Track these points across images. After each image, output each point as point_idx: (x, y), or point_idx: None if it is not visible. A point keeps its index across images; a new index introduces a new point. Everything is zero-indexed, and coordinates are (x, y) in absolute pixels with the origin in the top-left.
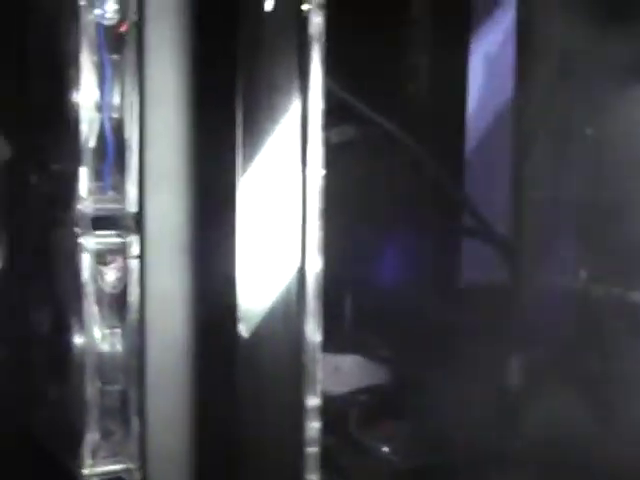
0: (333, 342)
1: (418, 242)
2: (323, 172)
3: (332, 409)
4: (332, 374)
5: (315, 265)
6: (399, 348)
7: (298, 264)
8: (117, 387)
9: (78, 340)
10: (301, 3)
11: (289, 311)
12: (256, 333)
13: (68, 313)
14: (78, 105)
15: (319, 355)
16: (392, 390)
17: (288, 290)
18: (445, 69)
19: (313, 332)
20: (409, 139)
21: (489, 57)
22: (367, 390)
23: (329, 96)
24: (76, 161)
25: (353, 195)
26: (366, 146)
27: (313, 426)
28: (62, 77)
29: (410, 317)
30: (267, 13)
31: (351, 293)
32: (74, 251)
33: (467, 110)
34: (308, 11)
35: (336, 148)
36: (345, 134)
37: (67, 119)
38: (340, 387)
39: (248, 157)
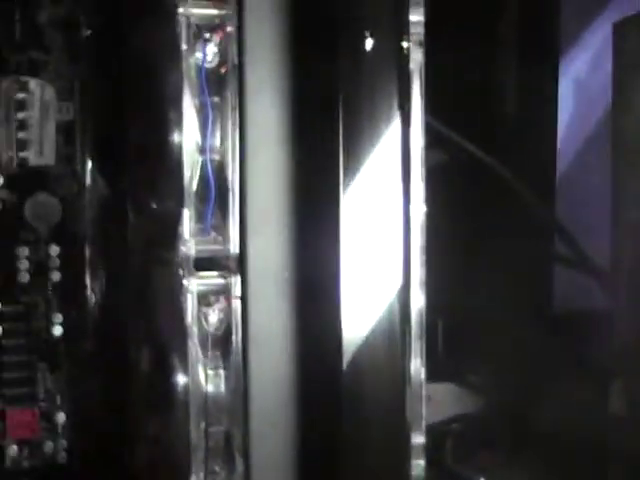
0: (426, 371)
1: (511, 269)
2: (425, 208)
3: (428, 440)
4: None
5: (418, 301)
6: (493, 375)
7: (401, 300)
8: (221, 428)
9: (182, 380)
10: (400, 41)
11: (393, 349)
12: (359, 371)
13: (171, 353)
14: (180, 147)
15: (424, 392)
16: (488, 419)
17: (391, 327)
18: (536, 93)
19: (418, 370)
20: (503, 168)
21: (580, 79)
22: (462, 419)
23: (429, 130)
24: (178, 202)
25: (448, 226)
26: (460, 176)
27: (418, 464)
28: (164, 119)
29: (504, 344)
30: (367, 52)
31: (442, 320)
32: (176, 292)
33: (559, 134)
34: (408, 48)
35: (432, 179)
36: (441, 164)
37: (169, 160)
38: (434, 417)
39: (349, 196)
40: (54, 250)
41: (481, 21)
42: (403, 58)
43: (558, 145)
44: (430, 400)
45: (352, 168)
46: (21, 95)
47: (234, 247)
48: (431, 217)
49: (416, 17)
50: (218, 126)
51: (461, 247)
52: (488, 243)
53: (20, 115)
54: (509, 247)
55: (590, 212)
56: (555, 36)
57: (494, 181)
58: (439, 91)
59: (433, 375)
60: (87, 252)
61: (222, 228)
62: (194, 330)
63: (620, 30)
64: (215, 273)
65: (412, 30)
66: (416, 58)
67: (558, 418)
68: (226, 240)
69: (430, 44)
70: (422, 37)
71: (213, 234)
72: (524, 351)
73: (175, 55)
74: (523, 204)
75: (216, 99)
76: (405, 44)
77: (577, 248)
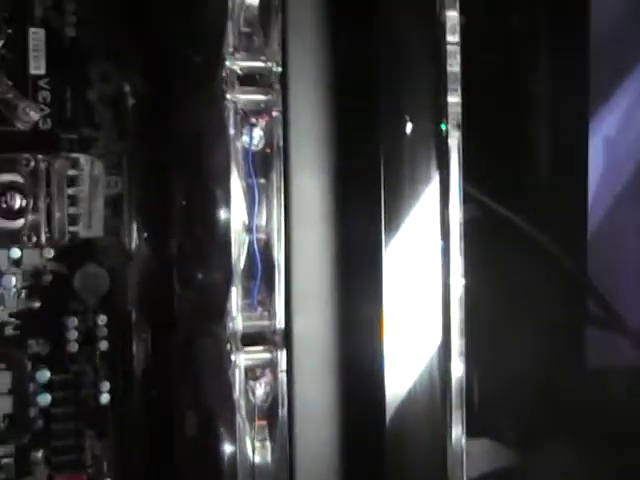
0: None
1: (545, 330)
2: (463, 281)
3: None
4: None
5: (458, 370)
6: (528, 431)
7: (441, 368)
8: None
9: (229, 450)
10: (439, 124)
11: (434, 420)
12: (402, 443)
13: (218, 423)
14: (228, 225)
15: (464, 456)
16: (522, 475)
17: (432, 396)
18: (568, 154)
19: (458, 439)
20: (536, 230)
21: (611, 138)
22: (498, 475)
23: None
24: (226, 279)
25: (485, 290)
26: (494, 240)
27: None
28: (212, 197)
29: (539, 402)
30: (407, 134)
31: (477, 377)
32: (224, 365)
33: (590, 193)
34: (446, 130)
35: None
36: (477, 229)
37: (217, 238)
38: (471, 472)
39: (391, 270)
40: (102, 320)
41: (513, 87)
42: (441, 139)
43: (589, 204)
44: (467, 456)
45: (393, 245)
46: (72, 172)
47: (280, 322)
48: (469, 286)
49: (454, 99)
50: (264, 206)
51: (497, 308)
52: (522, 304)
53: (71, 191)
54: (543, 308)
55: (622, 271)
56: (585, 97)
57: (528, 243)
58: (475, 162)
59: (470, 431)
60: (134, 322)
61: (268, 304)
62: (241, 403)
63: None
64: (261, 348)
65: (450, 111)
66: (454, 139)
67: (593, 474)
68: (272, 315)
69: (467, 122)
70: (459, 118)
71: (259, 309)
72: (558, 409)
73: (223, 137)
74: (556, 265)
75: (262, 180)
76: (443, 126)
77: (609, 308)
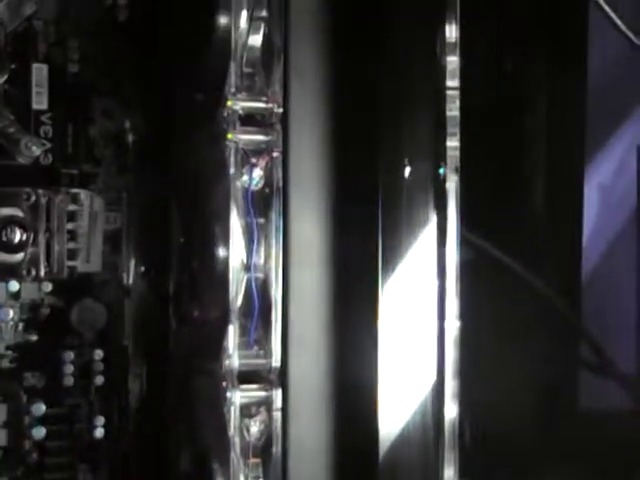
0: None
1: (539, 372)
2: (459, 323)
3: None
4: None
5: (451, 411)
6: (520, 472)
7: (435, 409)
8: None
9: None
10: (436, 168)
11: (427, 458)
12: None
13: (212, 460)
14: (226, 264)
15: None
16: None
17: (426, 438)
18: (564, 200)
19: (450, 478)
20: (532, 273)
21: (605, 185)
22: None
23: (463, 246)
24: (223, 316)
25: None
26: (490, 283)
27: None
28: (211, 235)
29: (531, 441)
30: (405, 178)
31: (471, 417)
32: (220, 402)
33: (585, 238)
34: (444, 174)
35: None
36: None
37: (215, 276)
38: None
39: (388, 315)
40: (98, 354)
41: (510, 132)
42: (440, 184)
43: (584, 249)
44: None
45: (390, 286)
46: (72, 207)
47: (276, 361)
48: (464, 327)
49: (452, 143)
50: (262, 245)
51: (492, 350)
52: (517, 346)
53: (70, 226)
54: (537, 350)
55: (616, 315)
56: (581, 144)
57: (523, 286)
58: (473, 207)
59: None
60: (130, 357)
61: (264, 342)
62: (236, 440)
63: None
64: (257, 386)
65: (449, 155)
66: (452, 183)
67: None
68: (268, 354)
69: (465, 167)
70: (458, 162)
71: (256, 348)
72: (550, 450)
73: (223, 176)
74: (550, 308)
75: (261, 220)
76: (442, 170)
77: (601, 351)
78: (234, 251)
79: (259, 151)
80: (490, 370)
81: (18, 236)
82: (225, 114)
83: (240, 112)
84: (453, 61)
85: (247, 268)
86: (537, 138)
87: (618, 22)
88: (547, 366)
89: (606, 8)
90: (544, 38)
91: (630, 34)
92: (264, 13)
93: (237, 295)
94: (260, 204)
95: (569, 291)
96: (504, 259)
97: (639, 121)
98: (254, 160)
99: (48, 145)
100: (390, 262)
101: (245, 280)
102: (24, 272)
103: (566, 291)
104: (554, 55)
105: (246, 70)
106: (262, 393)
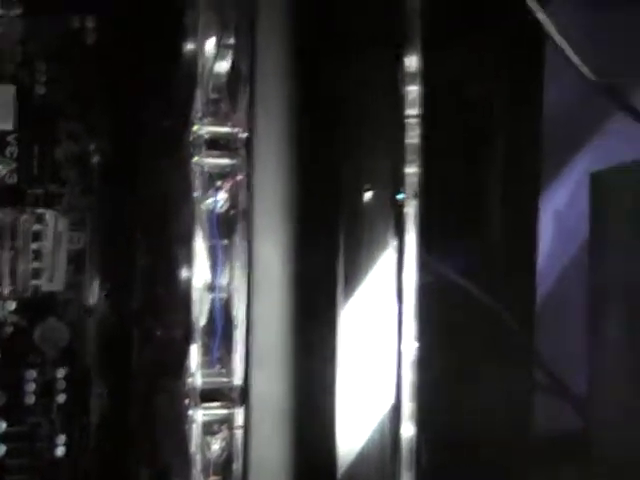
0: None
1: (495, 395)
2: (417, 344)
3: None
4: None
5: (408, 431)
6: None
7: (393, 430)
8: None
9: None
10: (396, 194)
11: (384, 476)
12: None
13: (173, 478)
14: (189, 284)
15: None
16: None
17: (383, 457)
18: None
19: None
20: (489, 297)
21: (559, 212)
22: None
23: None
24: (186, 336)
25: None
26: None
27: None
28: (174, 256)
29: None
30: (365, 203)
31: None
32: (181, 420)
33: (539, 264)
34: (402, 200)
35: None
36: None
37: (178, 296)
38: None
39: (348, 336)
40: (60, 373)
41: (468, 163)
42: (399, 208)
43: (538, 274)
44: None
45: (349, 308)
46: (37, 227)
47: (238, 379)
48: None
49: (412, 169)
50: (227, 266)
51: (447, 372)
52: (472, 368)
53: (34, 245)
54: (493, 374)
55: (568, 339)
56: (537, 173)
57: (478, 310)
58: (432, 230)
59: None
60: (92, 375)
61: (227, 361)
62: (197, 457)
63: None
64: (219, 404)
65: (408, 181)
66: (411, 208)
67: None
68: (230, 372)
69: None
70: (417, 188)
71: (218, 366)
72: (506, 473)
73: (188, 199)
74: (505, 331)
75: (225, 242)
76: (400, 196)
77: (554, 376)
78: (198, 272)
79: (224, 174)
80: (446, 390)
81: None
82: (191, 138)
83: (206, 136)
84: (413, 90)
85: (211, 288)
86: (494, 167)
87: (574, 59)
88: (502, 387)
89: (563, 45)
90: (502, 70)
91: (585, 70)
92: (231, 40)
93: (200, 315)
94: (225, 226)
95: (523, 316)
96: (461, 282)
97: (592, 152)
98: (219, 183)
99: (14, 165)
100: (351, 285)
101: (209, 300)
102: None
103: (520, 316)
104: (512, 88)
105: (212, 96)
106: (224, 411)
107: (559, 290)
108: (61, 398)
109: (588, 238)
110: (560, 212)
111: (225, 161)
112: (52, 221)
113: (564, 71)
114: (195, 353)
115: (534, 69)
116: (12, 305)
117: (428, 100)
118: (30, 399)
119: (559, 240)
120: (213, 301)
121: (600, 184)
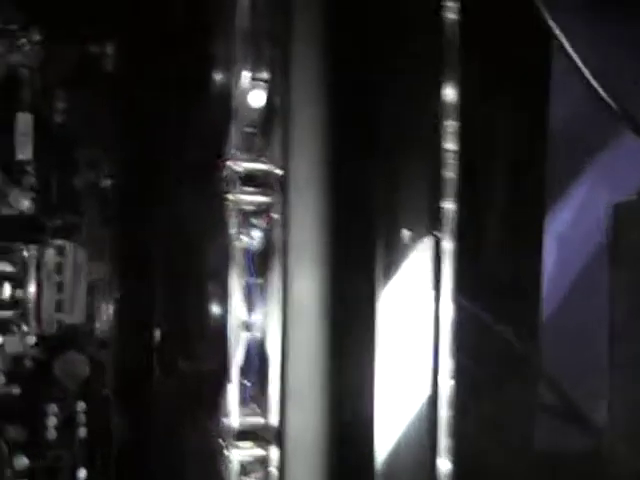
0: None
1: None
2: (452, 382)
3: None
4: None
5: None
6: None
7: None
8: None
9: None
10: (432, 232)
11: None
12: None
13: None
14: (225, 323)
15: None
16: None
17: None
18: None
19: None
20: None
21: (564, 233)
22: None
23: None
24: (220, 374)
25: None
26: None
27: None
28: (205, 292)
29: None
30: (402, 242)
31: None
32: (216, 459)
33: (544, 283)
34: (440, 238)
35: None
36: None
37: (211, 334)
38: None
39: (384, 375)
40: (81, 406)
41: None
42: (436, 247)
43: (544, 294)
44: None
45: (385, 348)
46: (58, 259)
47: (273, 419)
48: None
49: (449, 206)
50: (261, 304)
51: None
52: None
53: (57, 278)
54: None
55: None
56: (541, 195)
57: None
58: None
59: None
60: (113, 409)
61: (261, 400)
62: None
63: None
64: (254, 444)
65: (444, 220)
66: (448, 246)
67: None
68: (265, 412)
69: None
70: (454, 227)
71: (253, 406)
72: None
73: (222, 236)
74: (512, 351)
75: (260, 280)
76: (437, 233)
77: (561, 394)
78: (233, 310)
79: (259, 212)
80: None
81: (8, 292)
82: (225, 174)
83: (240, 172)
84: (451, 125)
85: (246, 326)
86: (497, 186)
87: (585, 72)
88: (510, 408)
89: (575, 59)
90: (508, 91)
91: (596, 85)
92: (266, 74)
93: (235, 353)
94: (259, 264)
95: (530, 335)
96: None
97: (600, 172)
98: (254, 221)
99: (32, 195)
100: (386, 324)
101: (243, 338)
102: (14, 328)
103: (527, 335)
104: (516, 105)
105: (246, 130)
106: (259, 451)
107: (564, 310)
108: (82, 432)
109: (608, 267)
110: (565, 234)
111: (260, 198)
112: (71, 253)
113: (574, 88)
114: (233, 392)
115: (541, 86)
116: (32, 339)
117: (466, 133)
118: (52, 434)
119: (564, 261)
120: (248, 339)
121: (623, 214)
